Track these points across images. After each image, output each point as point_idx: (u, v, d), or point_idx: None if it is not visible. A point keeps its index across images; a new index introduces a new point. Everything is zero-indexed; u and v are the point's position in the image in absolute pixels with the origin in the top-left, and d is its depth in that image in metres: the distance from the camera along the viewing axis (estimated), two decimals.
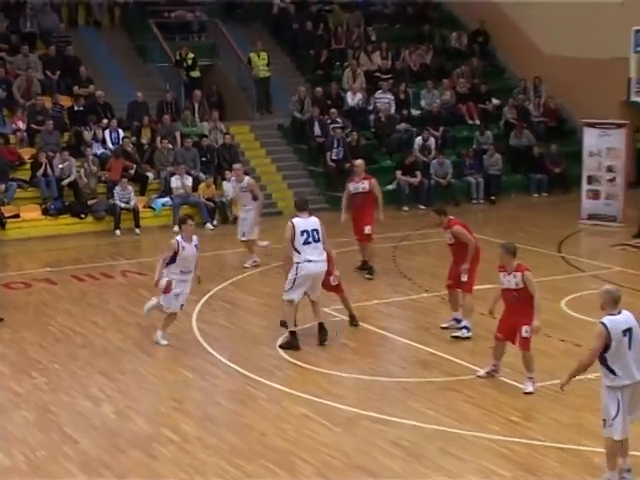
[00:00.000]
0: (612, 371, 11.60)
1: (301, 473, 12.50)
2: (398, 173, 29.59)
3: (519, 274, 14.79)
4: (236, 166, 23.70)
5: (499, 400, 14.85)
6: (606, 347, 11.67)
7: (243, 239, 23.20)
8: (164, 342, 17.65)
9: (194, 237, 17.63)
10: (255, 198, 23.04)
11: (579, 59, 31.63)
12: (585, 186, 27.38)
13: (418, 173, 29.59)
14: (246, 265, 22.88)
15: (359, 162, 22.43)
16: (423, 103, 32.57)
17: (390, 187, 29.50)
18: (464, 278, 17.05)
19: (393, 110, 31.98)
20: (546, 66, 33.26)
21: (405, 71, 34.09)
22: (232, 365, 16.55)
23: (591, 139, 27.57)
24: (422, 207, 29.41)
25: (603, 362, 11.64)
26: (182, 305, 17.77)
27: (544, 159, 31.10)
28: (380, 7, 37.58)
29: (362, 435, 13.71)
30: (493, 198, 30.12)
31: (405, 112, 32.13)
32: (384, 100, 32.05)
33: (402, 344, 17.95)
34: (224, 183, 28.58)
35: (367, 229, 21.65)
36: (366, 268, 22.02)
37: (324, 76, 33.15)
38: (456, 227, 17.14)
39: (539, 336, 15.48)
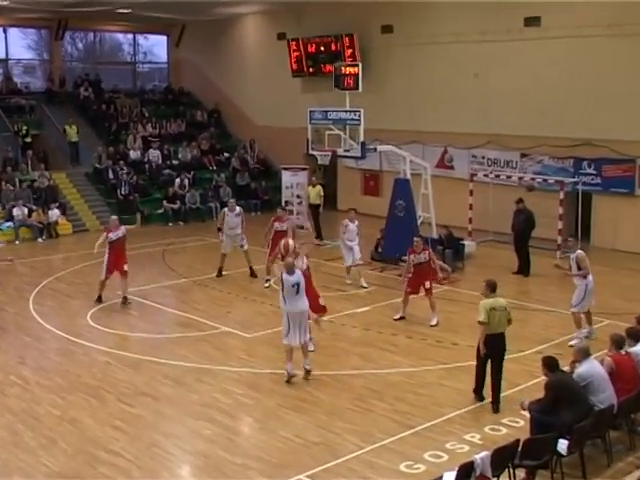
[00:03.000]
0: None
1: (106, 399, 12.46)
2: (164, 202, 29.69)
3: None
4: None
5: (233, 346, 14.95)
6: None
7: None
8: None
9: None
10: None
11: (278, 127, 32.23)
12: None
13: (178, 201, 29.62)
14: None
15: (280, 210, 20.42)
16: (180, 155, 32.64)
17: (160, 211, 29.56)
18: (427, 285, 16.04)
19: (160, 160, 31.97)
20: (257, 132, 33.91)
21: (167, 136, 34.04)
22: (57, 331, 16.09)
23: (286, 177, 28.00)
24: (181, 224, 28.90)
25: None
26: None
27: (258, 191, 31.77)
28: (151, 94, 37.14)
29: (145, 372, 13.62)
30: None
31: (168, 162, 32.21)
32: (154, 154, 31.98)
33: (170, 312, 17.56)
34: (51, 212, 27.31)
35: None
36: None
37: (114, 140, 32.72)
38: (430, 251, 16.49)
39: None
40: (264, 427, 11.46)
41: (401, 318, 16.45)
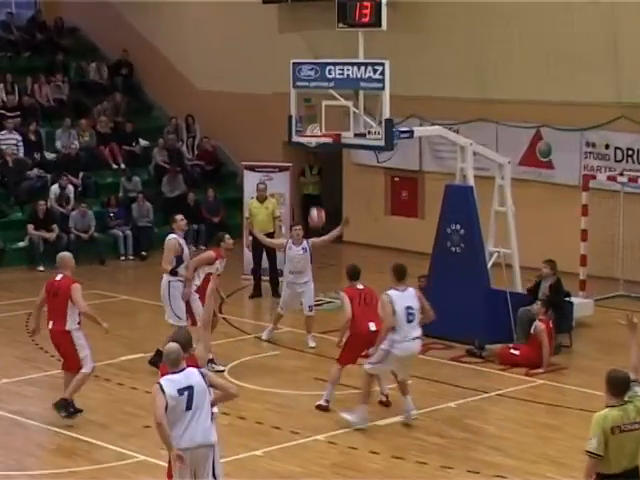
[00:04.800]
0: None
1: None
2: (30, 227, 29.91)
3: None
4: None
5: None
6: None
7: None
8: None
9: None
10: None
11: (237, 94, 33.44)
12: (248, 237, 27.43)
13: (54, 227, 29.97)
14: None
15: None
16: (59, 145, 33.33)
17: (22, 244, 30.14)
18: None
19: (22, 153, 32.41)
20: (200, 102, 34.95)
21: (35, 107, 34.73)
22: None
23: (253, 184, 28.04)
24: None
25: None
26: None
27: (200, 207, 32.44)
28: (2, 33, 38.04)
29: None
30: (144, 254, 30.80)
31: (37, 155, 32.79)
32: (11, 142, 32.38)
33: (39, 429, 17.74)
34: None
35: None
36: None
37: None
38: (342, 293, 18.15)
39: None
40: None
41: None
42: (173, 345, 12.75)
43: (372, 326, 17.42)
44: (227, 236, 20.86)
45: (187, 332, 14.05)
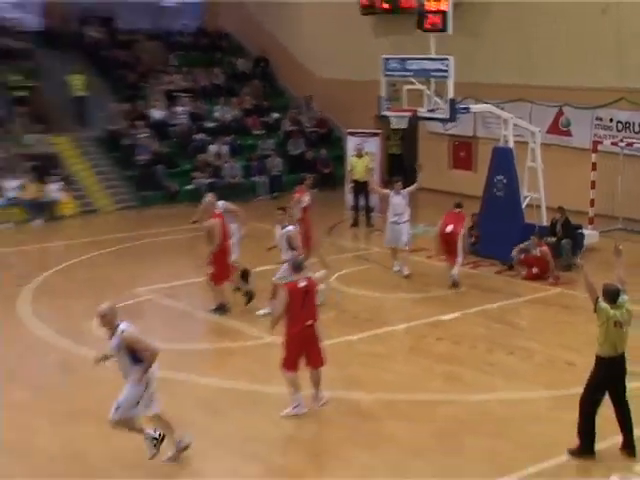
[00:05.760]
0: None
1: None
2: (195, 175, 30.39)
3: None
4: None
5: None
6: None
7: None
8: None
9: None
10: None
11: (343, 80, 32.73)
12: (349, 183, 27.90)
13: (213, 175, 30.33)
14: None
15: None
16: (217, 116, 33.57)
17: (190, 187, 30.09)
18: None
19: (191, 122, 32.74)
20: (317, 86, 34.67)
21: (201, 90, 34.95)
22: (55, 340, 16.21)
23: (353, 145, 28.09)
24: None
25: None
26: None
27: (315, 161, 32.35)
28: (179, 37, 38.28)
29: (170, 394, 12.54)
30: (275, 194, 30.54)
31: (201, 124, 32.97)
32: (183, 114, 32.85)
33: (200, 317, 17.69)
34: None
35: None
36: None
37: (132, 95, 33.54)
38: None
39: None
40: (322, 467, 11.66)
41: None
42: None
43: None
44: (308, 176, 22.11)
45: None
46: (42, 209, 27.46)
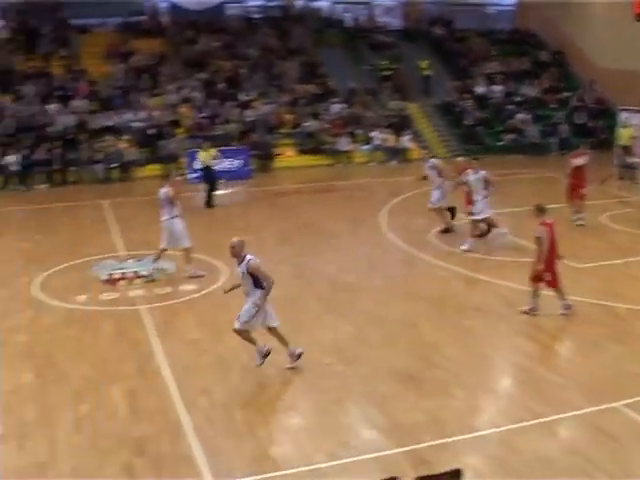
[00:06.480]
0: None
1: (443, 309, 13.63)
2: (505, 134, 33.71)
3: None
4: None
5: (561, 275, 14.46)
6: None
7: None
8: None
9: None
10: (440, 175, 20.29)
11: (617, 70, 34.86)
12: (617, 147, 29.27)
13: (518, 135, 33.59)
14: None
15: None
16: (522, 93, 36.34)
17: (500, 143, 33.34)
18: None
19: (503, 96, 35.94)
20: (597, 73, 36.65)
21: (511, 73, 37.93)
22: (402, 244, 17.97)
23: (622, 118, 29.91)
24: (520, 156, 32.14)
25: None
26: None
27: (595, 129, 34.54)
28: (498, 34, 41.54)
29: (480, 290, 14.77)
30: (563, 152, 30.12)
31: (511, 98, 36.03)
32: (498, 90, 36.58)
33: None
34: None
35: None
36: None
37: (463, 75, 37.73)
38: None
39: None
40: (584, 353, 12.42)
41: None
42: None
43: None
44: (584, 141, 22.39)
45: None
46: (397, 154, 31.81)
